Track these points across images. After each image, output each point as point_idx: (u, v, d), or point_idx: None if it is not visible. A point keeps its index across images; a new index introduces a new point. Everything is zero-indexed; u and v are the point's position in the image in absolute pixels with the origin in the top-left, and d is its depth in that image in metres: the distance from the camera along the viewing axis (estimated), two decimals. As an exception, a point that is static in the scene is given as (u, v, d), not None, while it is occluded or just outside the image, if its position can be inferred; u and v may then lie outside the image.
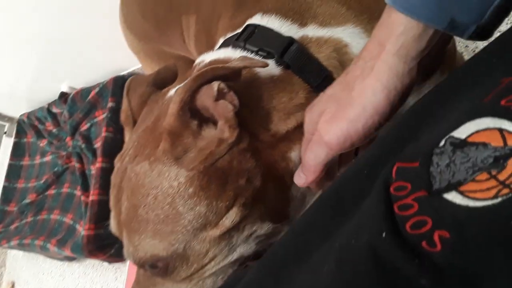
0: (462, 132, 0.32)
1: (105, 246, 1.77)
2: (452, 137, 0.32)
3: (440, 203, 0.30)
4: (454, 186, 0.30)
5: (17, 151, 2.65)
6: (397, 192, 0.33)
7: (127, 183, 0.53)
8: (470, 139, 0.31)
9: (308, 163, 0.48)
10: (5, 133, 2.93)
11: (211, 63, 0.57)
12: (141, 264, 0.52)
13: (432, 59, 0.49)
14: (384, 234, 0.31)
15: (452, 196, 0.30)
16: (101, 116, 2.03)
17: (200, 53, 0.65)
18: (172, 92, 0.58)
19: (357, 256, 0.31)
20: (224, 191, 0.49)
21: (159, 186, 0.50)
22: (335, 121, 0.44)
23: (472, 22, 0.37)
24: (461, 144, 0.31)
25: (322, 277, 0.32)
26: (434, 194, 0.31)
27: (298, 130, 0.53)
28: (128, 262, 1.85)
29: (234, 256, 0.51)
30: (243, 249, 0.51)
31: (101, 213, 1.79)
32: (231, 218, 0.49)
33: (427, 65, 0.43)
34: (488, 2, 0.36)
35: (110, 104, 1.93)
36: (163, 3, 0.89)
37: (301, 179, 0.50)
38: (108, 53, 1.93)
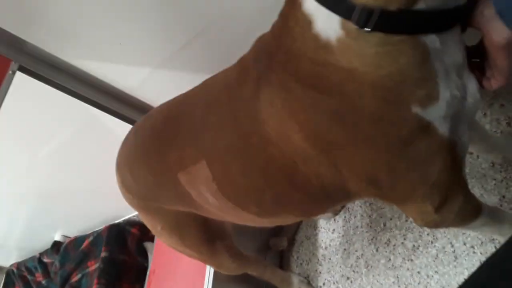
0: None
1: None
2: None
3: None
4: None
5: (3, 305, 2.50)
6: None
7: None
8: None
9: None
10: (-7, 284, 2.80)
11: None
12: None
13: None
14: None
15: None
16: (93, 266, 1.96)
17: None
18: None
19: None
20: None
21: None
22: None
23: None
24: None
25: None
26: None
27: None
28: None
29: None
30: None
31: None
32: None
33: None
34: None
35: (103, 254, 1.87)
36: (151, 171, 0.89)
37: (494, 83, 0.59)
38: (103, 201, 1.92)
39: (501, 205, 0.99)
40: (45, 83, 1.12)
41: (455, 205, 0.67)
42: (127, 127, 1.30)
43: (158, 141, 0.87)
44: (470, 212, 0.72)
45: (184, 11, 1.02)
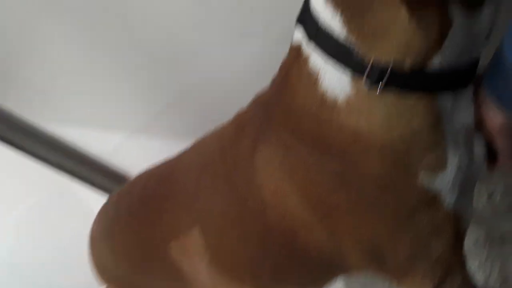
0: None
1: None
2: None
3: None
4: None
5: None
6: None
7: None
8: None
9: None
10: None
11: None
12: None
13: None
14: None
15: None
16: None
17: None
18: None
19: None
20: None
21: None
22: None
23: None
24: None
25: None
26: None
27: None
28: None
29: None
30: None
31: None
32: None
33: None
34: None
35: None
36: (138, 243, 0.81)
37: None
38: (67, 276, 1.80)
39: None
40: (10, 146, 1.06)
41: (454, 284, 0.63)
42: (98, 195, 1.24)
43: (147, 209, 0.80)
44: None
45: (161, 75, 1.01)
